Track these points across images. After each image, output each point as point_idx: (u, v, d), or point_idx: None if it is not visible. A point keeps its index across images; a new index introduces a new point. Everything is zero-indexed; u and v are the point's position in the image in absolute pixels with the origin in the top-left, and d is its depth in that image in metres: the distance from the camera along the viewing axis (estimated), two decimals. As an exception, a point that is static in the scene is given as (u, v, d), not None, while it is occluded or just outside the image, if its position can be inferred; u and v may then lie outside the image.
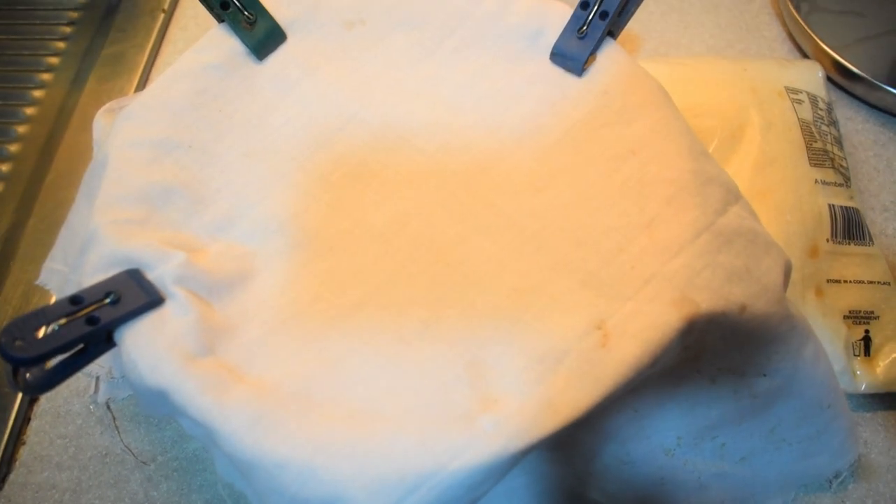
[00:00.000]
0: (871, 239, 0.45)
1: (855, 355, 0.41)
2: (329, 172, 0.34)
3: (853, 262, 0.43)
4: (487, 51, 0.37)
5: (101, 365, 0.40)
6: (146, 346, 0.27)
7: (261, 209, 0.33)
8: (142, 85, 0.58)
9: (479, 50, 0.37)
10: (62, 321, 0.26)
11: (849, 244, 0.44)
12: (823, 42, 0.55)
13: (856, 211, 0.45)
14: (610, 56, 0.35)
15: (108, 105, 0.42)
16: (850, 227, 0.44)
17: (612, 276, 0.30)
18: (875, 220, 0.49)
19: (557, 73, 0.36)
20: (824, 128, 0.47)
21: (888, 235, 0.49)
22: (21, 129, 0.55)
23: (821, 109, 0.48)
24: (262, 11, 0.36)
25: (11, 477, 0.40)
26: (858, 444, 0.38)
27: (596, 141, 0.34)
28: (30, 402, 0.42)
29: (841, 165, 0.47)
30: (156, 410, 0.29)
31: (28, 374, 0.27)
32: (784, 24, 0.61)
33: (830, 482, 0.38)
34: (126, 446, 0.40)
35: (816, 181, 0.44)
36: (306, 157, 0.35)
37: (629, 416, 0.33)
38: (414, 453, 0.25)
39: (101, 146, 0.35)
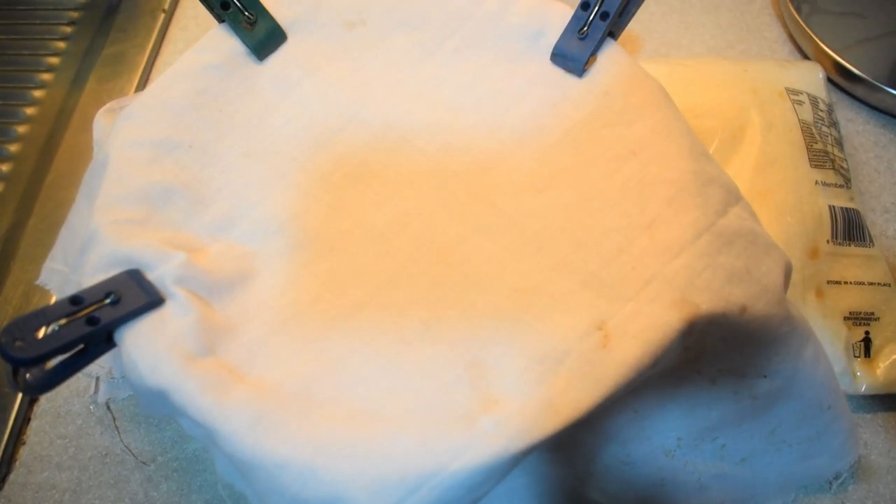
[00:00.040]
0: (871, 240, 0.45)
1: (855, 356, 0.41)
2: (330, 173, 0.34)
3: (853, 264, 0.43)
4: (488, 51, 0.37)
5: (101, 365, 0.40)
6: (146, 346, 0.27)
7: (261, 209, 0.33)
8: (142, 85, 0.58)
9: (480, 50, 0.37)
10: (62, 321, 0.26)
11: (849, 245, 0.44)
12: (824, 43, 0.55)
13: (856, 212, 0.45)
14: (611, 57, 0.35)
15: (108, 105, 0.42)
16: (850, 228, 0.44)
17: (612, 276, 0.30)
18: (875, 222, 0.49)
19: (558, 73, 0.36)
20: (825, 129, 0.47)
21: (888, 237, 0.49)
22: (21, 129, 0.55)
23: (821, 111, 0.48)
24: (263, 12, 0.36)
25: (11, 477, 0.40)
26: (858, 445, 0.38)
27: (596, 141, 0.34)
28: (30, 402, 0.42)
29: (841, 167, 0.47)
30: (156, 411, 0.29)
31: (28, 375, 0.27)
32: (785, 26, 0.61)
33: (830, 483, 0.38)
34: (126, 446, 0.40)
35: (817, 182, 0.44)
36: (307, 157, 0.35)
37: (629, 416, 0.33)
38: (415, 454, 0.25)
39: (102, 146, 0.35)
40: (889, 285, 0.43)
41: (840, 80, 0.55)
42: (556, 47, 0.36)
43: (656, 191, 0.31)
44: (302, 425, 0.26)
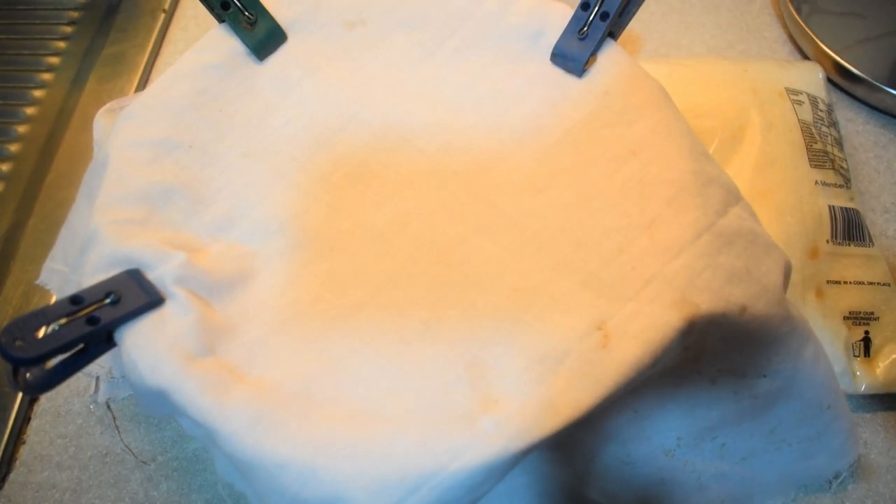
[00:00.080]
0: (871, 240, 0.45)
1: (855, 356, 0.41)
2: (330, 173, 0.34)
3: (853, 264, 0.43)
4: (488, 51, 0.37)
5: (101, 365, 0.40)
6: (146, 346, 0.27)
7: (261, 209, 0.33)
8: (142, 85, 0.58)
9: (480, 50, 0.37)
10: (62, 321, 0.26)
11: (849, 245, 0.44)
12: (824, 43, 0.55)
13: (856, 212, 0.45)
14: (610, 57, 0.35)
15: (108, 105, 0.42)
16: (850, 228, 0.44)
17: (612, 276, 0.30)
18: (875, 222, 0.49)
19: (558, 73, 0.36)
20: (825, 129, 0.47)
21: (888, 237, 0.49)
22: (21, 128, 0.55)
23: (821, 111, 0.48)
24: (263, 12, 0.36)
25: (11, 476, 0.40)
26: (858, 444, 0.38)
27: (597, 141, 0.34)
28: (30, 401, 0.42)
29: (841, 167, 0.47)
30: (156, 410, 0.29)
31: (28, 374, 0.27)
32: (785, 26, 0.61)
33: (830, 483, 0.38)
34: (126, 446, 0.40)
35: (817, 182, 0.45)
36: (307, 157, 0.35)
37: (629, 416, 0.33)
38: (415, 454, 0.25)
39: (102, 146, 0.35)
40: (889, 285, 0.43)
41: (840, 80, 0.55)
42: (556, 47, 0.36)
43: (656, 191, 0.31)
44: (302, 425, 0.26)
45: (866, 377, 0.41)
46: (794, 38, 0.60)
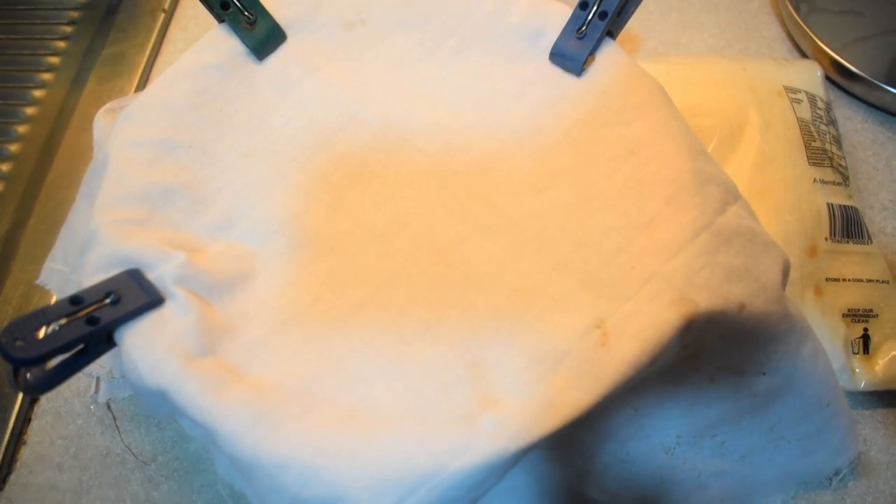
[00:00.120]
0: (869, 237, 0.45)
1: (854, 353, 0.41)
2: (330, 173, 0.34)
3: (852, 261, 0.43)
4: (487, 51, 0.37)
5: (101, 365, 0.40)
6: (146, 346, 0.27)
7: (261, 209, 0.33)
8: (142, 85, 0.58)
9: (480, 50, 0.37)
10: (62, 321, 0.26)
11: (847, 243, 0.44)
12: (822, 42, 0.55)
13: (854, 210, 0.45)
14: (609, 56, 0.35)
15: (108, 105, 0.42)
16: (848, 225, 0.44)
17: (612, 276, 0.30)
18: (874, 219, 0.49)
19: (557, 73, 0.36)
20: (823, 127, 0.47)
21: (887, 234, 0.49)
22: (21, 128, 0.56)
23: (819, 109, 0.48)
24: (263, 12, 0.36)
25: (12, 477, 0.40)
26: (858, 441, 0.38)
27: (596, 141, 0.34)
28: (30, 402, 0.42)
29: (840, 164, 0.47)
30: (156, 411, 0.29)
31: (28, 375, 0.27)
32: (783, 24, 0.61)
33: (830, 480, 0.39)
34: (127, 446, 0.40)
35: (815, 180, 0.45)
36: (307, 157, 0.35)
37: (629, 415, 0.33)
38: (414, 453, 0.25)
39: (102, 146, 0.35)
40: (887, 282, 0.44)
41: (838, 78, 0.55)
42: (554, 47, 0.36)
43: (655, 190, 0.31)
44: (302, 425, 0.26)
45: (865, 374, 0.41)
46: (792, 37, 0.60)
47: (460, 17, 0.37)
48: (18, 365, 0.26)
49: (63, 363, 0.28)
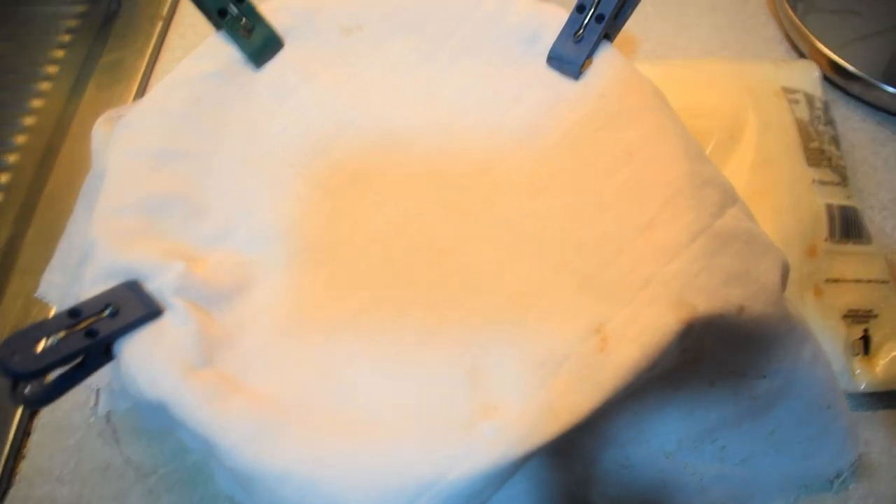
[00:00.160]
0: (869, 238, 0.45)
1: (854, 354, 0.41)
2: (327, 179, 0.34)
3: (852, 261, 0.43)
4: (484, 55, 0.37)
5: (101, 376, 0.40)
6: (145, 358, 0.27)
7: (259, 217, 0.33)
8: (141, 92, 0.58)
9: (477, 54, 0.37)
10: (61, 334, 0.26)
11: (847, 243, 0.44)
12: (820, 41, 0.55)
13: (853, 210, 0.45)
14: (606, 59, 0.35)
15: (106, 114, 0.41)
16: (847, 226, 0.44)
17: (611, 279, 0.30)
18: (873, 219, 0.49)
19: (554, 76, 0.36)
20: (821, 127, 0.47)
21: (886, 234, 0.49)
22: (20, 139, 0.56)
23: (817, 109, 0.48)
24: (260, 19, 0.36)
25: (12, 492, 0.40)
26: (859, 443, 0.38)
27: (593, 144, 0.34)
28: (30, 415, 0.42)
29: (838, 164, 0.47)
30: (156, 423, 0.29)
31: (27, 388, 0.27)
32: (781, 24, 0.61)
33: (832, 482, 0.38)
34: (127, 459, 0.40)
35: (814, 181, 0.45)
36: (304, 164, 0.35)
37: (629, 419, 0.33)
38: (414, 462, 0.25)
39: (100, 156, 0.35)
40: (887, 282, 0.43)
41: (836, 77, 0.55)
42: (552, 50, 0.36)
43: (653, 193, 0.31)
44: (301, 437, 0.26)
45: (866, 375, 0.41)
46: (790, 37, 0.60)
47: (457, 21, 0.37)
48: (17, 379, 0.26)
49: (62, 376, 0.27)
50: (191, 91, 0.35)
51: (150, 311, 0.28)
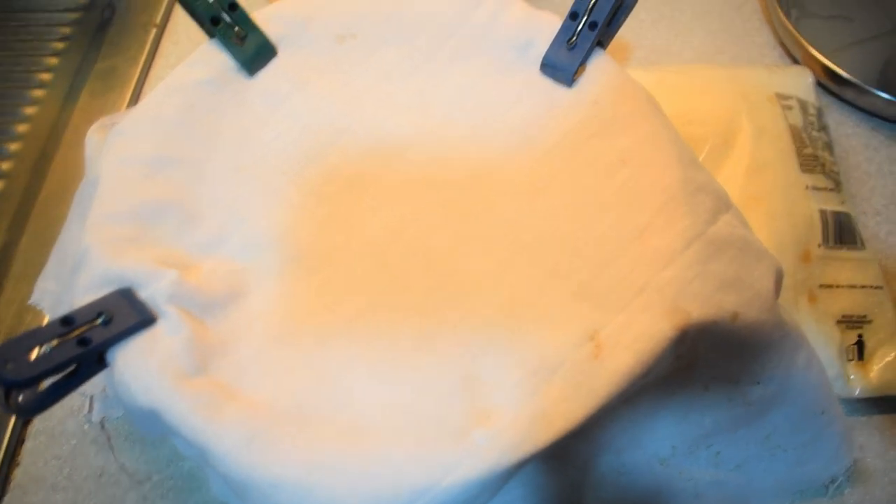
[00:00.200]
0: (862, 243, 0.45)
1: (849, 360, 0.41)
2: (321, 186, 0.34)
3: (845, 267, 0.43)
4: (478, 63, 0.37)
5: (95, 383, 0.40)
6: (138, 367, 0.27)
7: (253, 225, 0.33)
8: (135, 99, 0.58)
9: (470, 62, 0.37)
10: (54, 343, 0.26)
11: (841, 249, 0.44)
12: (813, 47, 0.55)
13: (847, 215, 0.45)
14: (599, 66, 0.35)
15: (100, 121, 0.41)
16: (841, 231, 0.44)
17: (605, 286, 0.30)
18: (867, 224, 0.49)
19: (548, 83, 0.36)
20: (814, 133, 0.48)
21: (880, 239, 0.49)
22: (13, 146, 0.55)
23: (811, 115, 0.48)
24: (253, 27, 0.36)
25: (6, 500, 0.40)
26: (854, 448, 0.38)
27: (587, 151, 0.34)
28: (24, 422, 0.42)
29: (832, 170, 0.47)
30: (149, 431, 0.29)
31: (20, 397, 0.27)
32: (774, 30, 0.61)
33: (827, 488, 0.38)
34: (121, 466, 0.40)
35: (807, 187, 0.45)
36: (297, 171, 0.35)
37: (623, 425, 0.33)
38: (408, 469, 0.25)
39: (94, 163, 0.35)
40: (881, 288, 0.43)
41: (829, 83, 0.55)
42: (545, 57, 0.36)
43: (646, 200, 0.31)
44: (295, 443, 0.26)
45: (860, 381, 0.41)
46: (783, 43, 0.60)
47: (450, 29, 0.37)
48: (10, 387, 0.25)
49: (55, 384, 0.27)
50: (184, 98, 0.35)
51: (143, 318, 0.28)
